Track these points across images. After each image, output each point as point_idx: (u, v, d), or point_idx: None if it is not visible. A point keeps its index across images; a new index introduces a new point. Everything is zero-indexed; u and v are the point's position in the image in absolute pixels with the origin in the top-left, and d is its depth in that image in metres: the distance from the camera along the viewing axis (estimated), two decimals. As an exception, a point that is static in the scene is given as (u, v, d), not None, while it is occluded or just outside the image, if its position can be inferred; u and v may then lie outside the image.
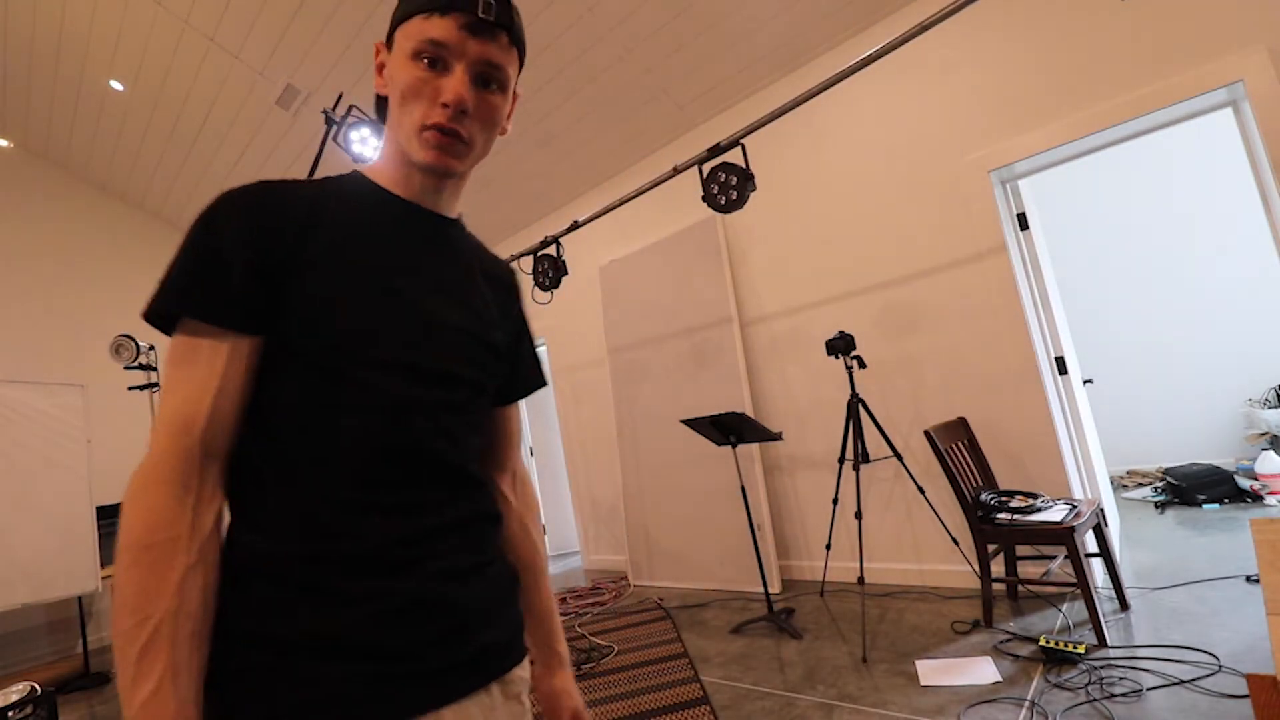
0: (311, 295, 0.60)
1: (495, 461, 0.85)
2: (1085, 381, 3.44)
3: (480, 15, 0.63)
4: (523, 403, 5.76)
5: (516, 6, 0.69)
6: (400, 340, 0.64)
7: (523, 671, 0.74)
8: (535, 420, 5.61)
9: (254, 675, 0.55)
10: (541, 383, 0.89)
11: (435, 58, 0.63)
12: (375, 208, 0.68)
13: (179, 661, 0.51)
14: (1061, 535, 2.15)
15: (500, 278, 0.81)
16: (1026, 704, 1.85)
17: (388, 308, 0.64)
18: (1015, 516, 2.32)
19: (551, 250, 3.42)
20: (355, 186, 0.69)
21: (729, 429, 2.87)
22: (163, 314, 0.59)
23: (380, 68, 0.70)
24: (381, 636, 0.59)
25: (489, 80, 0.67)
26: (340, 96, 2.60)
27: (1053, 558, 2.56)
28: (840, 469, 2.91)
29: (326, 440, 0.60)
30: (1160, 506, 3.57)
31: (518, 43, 0.69)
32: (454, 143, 0.66)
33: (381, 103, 0.71)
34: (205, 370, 0.57)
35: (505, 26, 0.66)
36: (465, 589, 0.66)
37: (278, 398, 0.60)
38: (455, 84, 0.63)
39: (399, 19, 0.66)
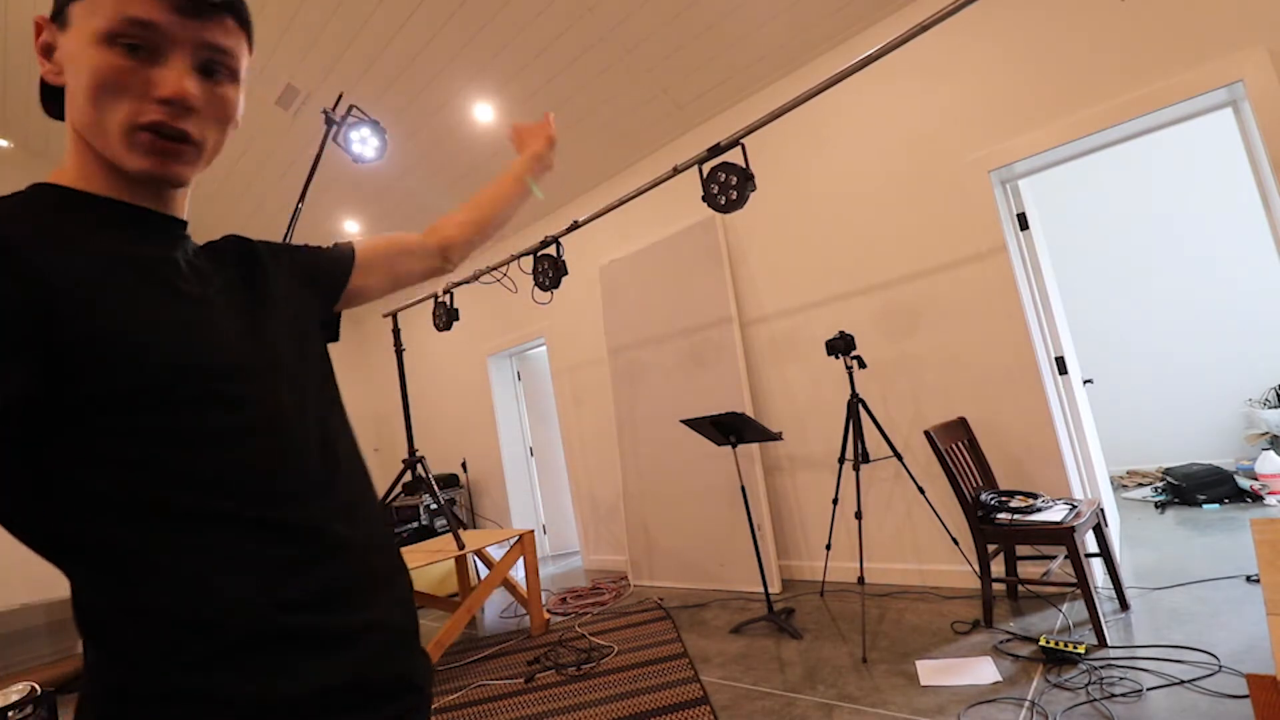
0: (96, 332, 0.47)
1: (418, 267, 0.90)
2: (1085, 381, 3.44)
3: None
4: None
5: None
6: (230, 351, 0.55)
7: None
8: (535, 420, 5.61)
9: None
10: (347, 256, 0.80)
11: (138, 43, 0.50)
12: (100, 217, 0.54)
13: None
14: (1061, 535, 2.15)
15: (239, 246, 0.70)
16: (1026, 704, 1.85)
17: (195, 323, 0.54)
18: (1015, 516, 2.32)
19: (551, 250, 3.42)
20: (59, 200, 0.53)
21: (729, 429, 2.86)
22: None
23: (45, 49, 0.55)
24: (367, 671, 0.54)
25: (216, 68, 0.55)
26: (340, 96, 2.60)
27: (1053, 558, 2.56)
28: (840, 469, 2.91)
29: (211, 484, 0.51)
30: (1160, 506, 3.57)
31: (245, 24, 0.57)
32: (180, 146, 0.54)
33: (51, 92, 0.56)
34: None
35: (230, 4, 0.54)
36: (388, 619, 0.60)
37: (94, 463, 0.48)
38: (175, 76, 0.51)
39: None
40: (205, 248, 0.67)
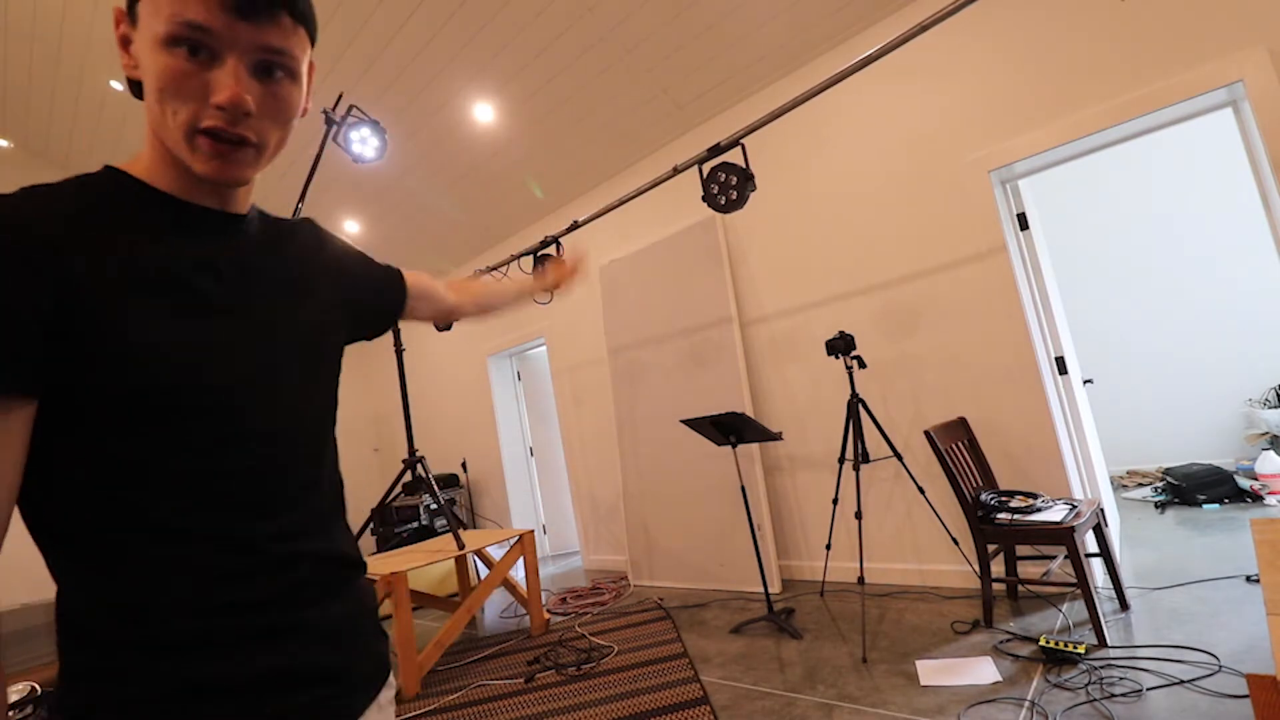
0: (107, 336, 0.49)
1: (440, 309, 0.96)
2: (1085, 381, 3.44)
3: None
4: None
5: None
6: (233, 365, 0.57)
7: (389, 691, 0.71)
8: (535, 420, 5.61)
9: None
10: (402, 293, 0.85)
11: (196, 44, 0.50)
12: (155, 214, 0.56)
13: None
14: (1061, 535, 2.15)
15: (308, 246, 0.72)
16: (1026, 704, 1.85)
17: (208, 332, 0.56)
18: (1015, 516, 2.32)
19: (551, 250, 3.42)
20: (120, 191, 0.56)
21: (729, 429, 2.86)
22: None
23: (124, 41, 0.55)
24: (294, 669, 0.57)
25: (273, 68, 0.54)
26: (340, 96, 2.60)
27: (1053, 558, 2.56)
28: (840, 469, 2.91)
29: (184, 486, 0.53)
30: (1160, 506, 3.57)
31: (303, 19, 0.56)
32: (236, 149, 0.54)
33: (135, 84, 0.57)
34: None
35: (284, 3, 0.53)
36: (358, 604, 0.66)
37: (107, 454, 0.51)
38: (229, 81, 0.51)
39: None
40: (275, 230, 0.69)
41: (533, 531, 3.42)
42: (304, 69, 0.58)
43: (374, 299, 0.84)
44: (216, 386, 0.55)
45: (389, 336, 4.39)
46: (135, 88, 0.57)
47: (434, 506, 5.06)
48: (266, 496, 0.58)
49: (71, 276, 0.48)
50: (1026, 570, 2.73)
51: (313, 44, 0.59)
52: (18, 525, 0.54)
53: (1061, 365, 2.77)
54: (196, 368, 0.54)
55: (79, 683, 0.51)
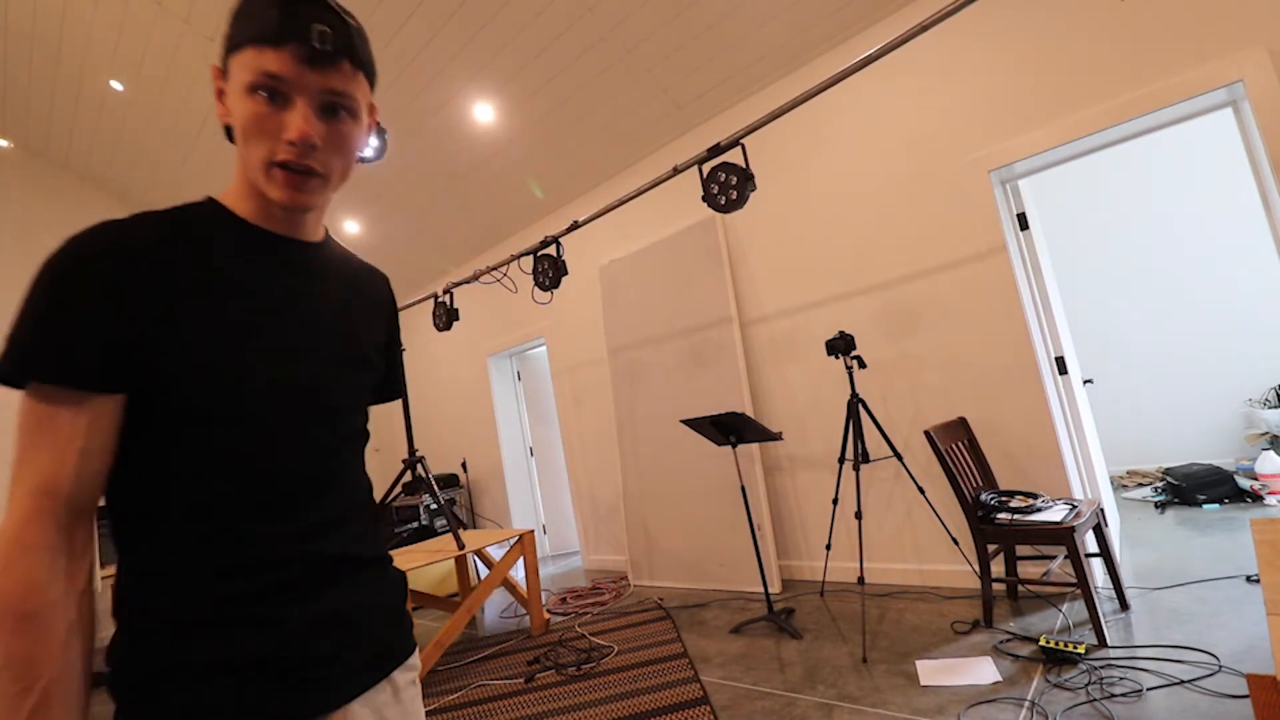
0: (176, 347, 0.59)
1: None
2: (1085, 381, 3.44)
3: (316, 46, 0.60)
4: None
5: (358, 26, 0.66)
6: (276, 382, 0.66)
7: (414, 659, 0.79)
8: (535, 420, 5.61)
9: (154, 694, 0.59)
10: (398, 393, 0.94)
11: (274, 91, 0.61)
12: (235, 241, 0.67)
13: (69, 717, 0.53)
14: (1061, 535, 2.15)
15: (371, 290, 0.83)
16: (1026, 704, 1.85)
17: (262, 351, 0.65)
18: (1015, 516, 2.32)
19: (551, 250, 3.42)
20: (212, 219, 0.67)
21: (729, 429, 2.86)
22: (10, 377, 0.56)
23: (220, 94, 0.67)
24: (283, 655, 0.63)
25: (336, 109, 0.64)
26: (340, 96, 2.60)
27: (1053, 558, 2.56)
28: (840, 469, 2.91)
29: (210, 486, 0.61)
30: (1160, 506, 3.57)
31: (362, 65, 0.66)
32: (305, 179, 0.64)
33: (228, 129, 0.69)
34: (67, 433, 0.55)
35: (345, 52, 0.63)
36: (359, 599, 0.71)
37: (152, 448, 0.60)
38: (298, 120, 0.61)
39: (230, 48, 0.63)
40: (348, 265, 0.80)
41: (533, 531, 3.42)
42: (364, 109, 0.68)
43: (393, 374, 0.94)
44: (259, 404, 0.64)
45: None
46: (228, 132, 0.68)
47: (434, 506, 5.06)
48: (284, 502, 0.66)
49: (153, 295, 0.59)
50: (1026, 570, 2.73)
51: (372, 87, 0.69)
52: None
53: (1061, 365, 2.77)
54: (240, 387, 0.63)
55: (117, 650, 0.61)
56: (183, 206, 0.66)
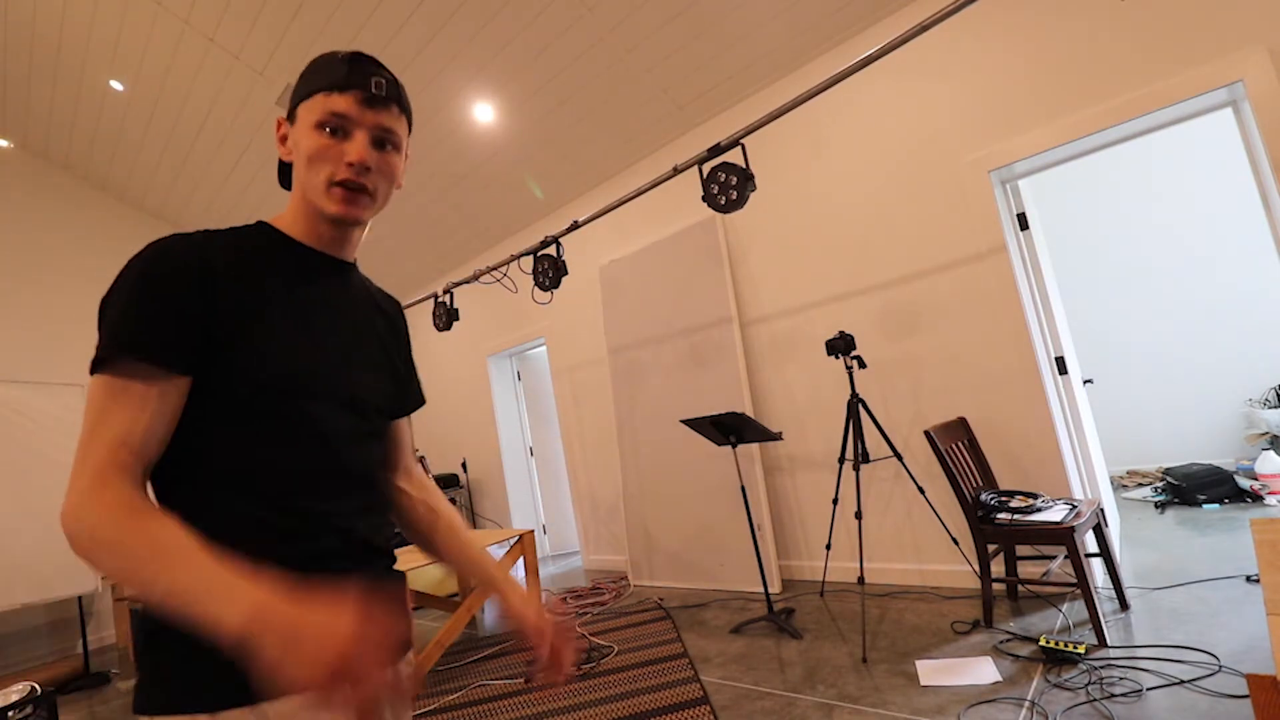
0: (244, 342, 0.69)
1: (393, 465, 0.96)
2: (1085, 381, 3.44)
3: (373, 92, 0.76)
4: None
5: (402, 84, 0.83)
6: (325, 379, 0.75)
7: (410, 654, 0.86)
8: (535, 420, 5.61)
9: (200, 661, 0.62)
10: (421, 401, 1.01)
11: (337, 127, 0.75)
12: (292, 257, 0.78)
13: (224, 563, 0.57)
14: (1061, 535, 2.15)
15: (389, 310, 0.94)
16: (1026, 704, 1.85)
17: (312, 351, 0.75)
18: (1015, 516, 2.32)
19: (551, 250, 3.42)
20: (267, 238, 0.78)
21: (729, 429, 2.86)
22: (113, 355, 0.63)
23: (283, 139, 0.81)
24: None
25: (385, 143, 0.78)
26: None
27: (1053, 558, 2.56)
28: (840, 469, 2.91)
29: (257, 468, 0.68)
30: (1160, 506, 3.57)
31: (405, 111, 0.81)
32: (360, 195, 0.77)
33: (284, 168, 0.84)
34: (139, 403, 0.63)
35: (395, 99, 0.78)
36: (379, 585, 0.78)
37: (204, 428, 0.67)
38: (358, 147, 0.75)
39: (302, 96, 0.77)
40: (369, 288, 0.91)
41: (533, 531, 3.42)
42: (404, 146, 0.82)
43: (413, 385, 1.01)
44: (309, 397, 0.73)
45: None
46: (284, 169, 0.84)
47: (434, 506, 5.05)
48: (330, 486, 0.74)
49: (225, 297, 0.69)
50: (1026, 570, 2.73)
51: (410, 131, 0.84)
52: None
53: (1061, 365, 2.77)
54: (294, 378, 0.72)
55: (151, 620, 0.65)
56: (238, 228, 0.77)
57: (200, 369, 0.67)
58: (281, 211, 0.83)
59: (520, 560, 3.36)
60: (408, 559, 3.03)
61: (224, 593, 0.54)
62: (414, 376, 1.00)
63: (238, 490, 0.68)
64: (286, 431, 0.71)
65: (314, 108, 0.76)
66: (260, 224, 0.79)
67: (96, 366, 0.64)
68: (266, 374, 0.69)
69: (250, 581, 0.55)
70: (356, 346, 0.82)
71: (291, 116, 0.79)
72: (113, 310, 0.65)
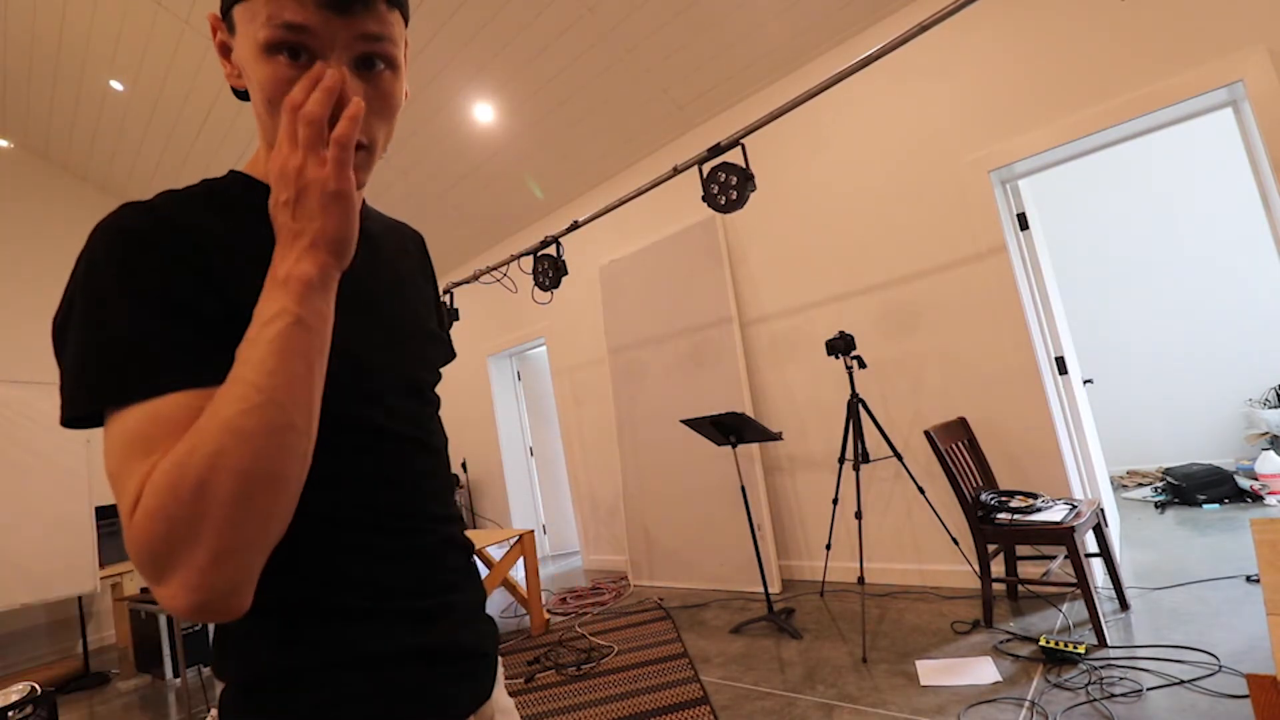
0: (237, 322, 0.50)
1: None
2: (1085, 381, 3.44)
3: None
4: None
5: None
6: (380, 358, 0.60)
7: (502, 670, 0.75)
8: (535, 420, 5.61)
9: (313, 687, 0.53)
10: (453, 354, 0.80)
11: (297, 46, 0.48)
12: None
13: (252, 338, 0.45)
14: (1061, 535, 2.15)
15: (414, 247, 0.76)
16: (1026, 704, 1.85)
17: (364, 332, 0.59)
18: (1015, 516, 2.32)
19: (551, 250, 3.42)
20: (251, 192, 0.56)
21: (729, 429, 2.86)
22: (112, 400, 0.44)
23: (223, 49, 0.55)
24: (448, 642, 0.60)
25: (373, 60, 0.52)
26: (340, 96, 2.60)
27: (1053, 558, 2.56)
28: (840, 469, 2.91)
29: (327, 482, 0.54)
30: (1160, 506, 3.57)
31: (397, 3, 0.53)
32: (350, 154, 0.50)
33: (240, 91, 0.57)
34: (185, 422, 0.44)
35: None
36: (464, 600, 0.66)
37: None
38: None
39: None
40: (383, 224, 0.71)
41: (533, 531, 3.42)
42: (402, 54, 0.55)
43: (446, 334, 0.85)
44: (372, 379, 0.58)
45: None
46: (241, 95, 0.57)
47: (434, 506, 5.05)
48: (412, 482, 0.61)
49: (210, 267, 0.49)
50: (1026, 570, 2.73)
51: (406, 23, 0.56)
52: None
53: (1061, 365, 2.77)
54: (362, 366, 0.57)
55: (257, 647, 0.53)
56: (207, 181, 0.56)
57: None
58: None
59: (520, 560, 3.36)
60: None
61: (278, 308, 0.44)
62: (445, 327, 0.80)
63: (329, 489, 0.54)
64: (364, 423, 0.57)
65: (254, 14, 0.49)
66: (233, 174, 0.58)
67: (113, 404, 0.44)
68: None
69: (274, 289, 0.45)
70: (397, 314, 0.64)
71: (228, 18, 0.52)
72: (91, 329, 0.45)
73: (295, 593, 0.53)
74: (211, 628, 0.55)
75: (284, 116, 0.46)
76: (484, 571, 4.00)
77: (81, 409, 0.45)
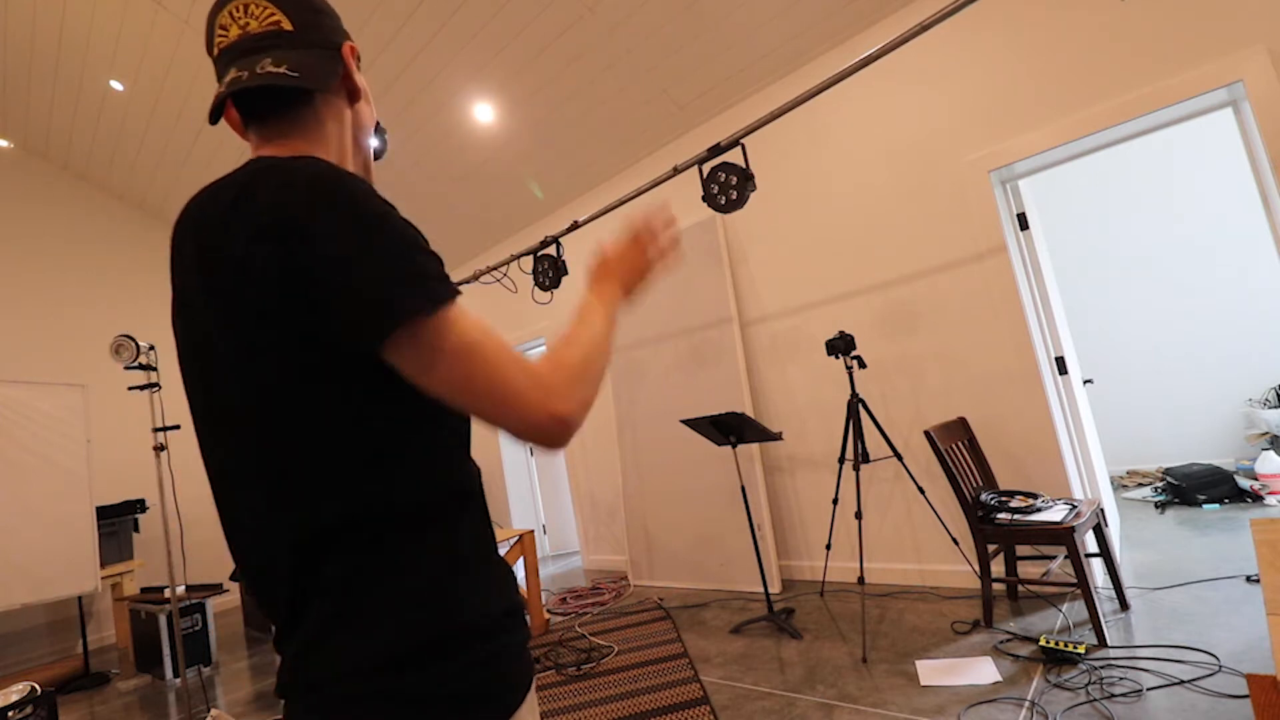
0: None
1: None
2: (1085, 381, 3.44)
3: None
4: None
5: None
6: None
7: None
8: (535, 420, 5.60)
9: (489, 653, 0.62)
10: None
11: None
12: None
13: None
14: (1061, 535, 2.15)
15: None
16: (1026, 704, 1.85)
17: None
18: (1015, 516, 2.32)
19: (551, 250, 3.42)
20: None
21: (729, 429, 2.86)
22: (445, 297, 0.58)
23: (356, 59, 0.84)
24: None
25: None
26: (340, 96, 2.60)
27: (1053, 558, 2.56)
28: (840, 469, 2.91)
29: (455, 433, 0.68)
30: (1160, 506, 3.57)
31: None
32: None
33: (266, 98, 0.70)
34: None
35: None
36: None
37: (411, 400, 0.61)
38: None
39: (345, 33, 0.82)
40: None
41: (533, 531, 3.42)
42: None
43: None
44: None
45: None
46: (266, 98, 0.70)
47: (434, 506, 5.05)
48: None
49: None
50: (1026, 570, 2.73)
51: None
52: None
53: (1061, 365, 2.77)
54: None
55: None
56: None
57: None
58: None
59: (520, 560, 3.36)
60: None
61: (600, 310, 0.75)
62: None
63: (443, 449, 0.66)
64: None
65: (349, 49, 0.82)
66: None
67: (440, 303, 0.56)
68: None
69: (596, 296, 0.77)
70: None
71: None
72: (414, 252, 0.57)
73: (465, 545, 0.65)
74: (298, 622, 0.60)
75: (644, 229, 0.86)
76: (484, 571, 4.00)
77: (445, 296, 0.57)
